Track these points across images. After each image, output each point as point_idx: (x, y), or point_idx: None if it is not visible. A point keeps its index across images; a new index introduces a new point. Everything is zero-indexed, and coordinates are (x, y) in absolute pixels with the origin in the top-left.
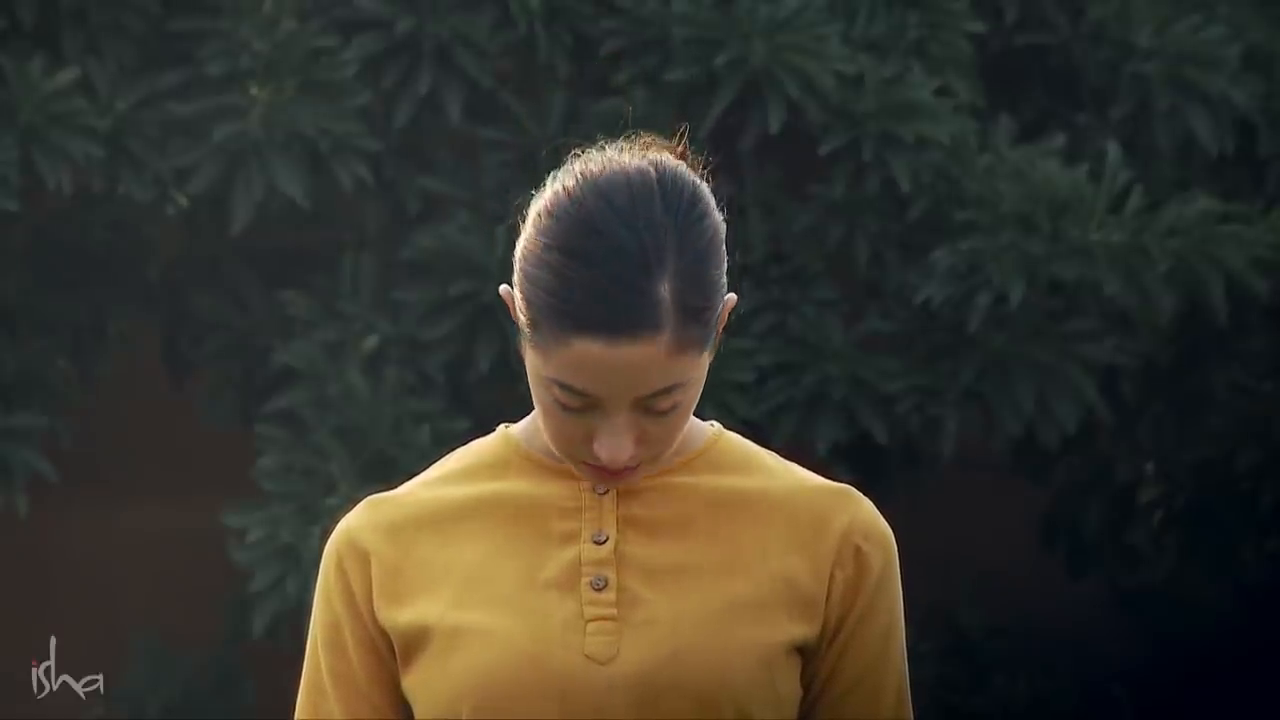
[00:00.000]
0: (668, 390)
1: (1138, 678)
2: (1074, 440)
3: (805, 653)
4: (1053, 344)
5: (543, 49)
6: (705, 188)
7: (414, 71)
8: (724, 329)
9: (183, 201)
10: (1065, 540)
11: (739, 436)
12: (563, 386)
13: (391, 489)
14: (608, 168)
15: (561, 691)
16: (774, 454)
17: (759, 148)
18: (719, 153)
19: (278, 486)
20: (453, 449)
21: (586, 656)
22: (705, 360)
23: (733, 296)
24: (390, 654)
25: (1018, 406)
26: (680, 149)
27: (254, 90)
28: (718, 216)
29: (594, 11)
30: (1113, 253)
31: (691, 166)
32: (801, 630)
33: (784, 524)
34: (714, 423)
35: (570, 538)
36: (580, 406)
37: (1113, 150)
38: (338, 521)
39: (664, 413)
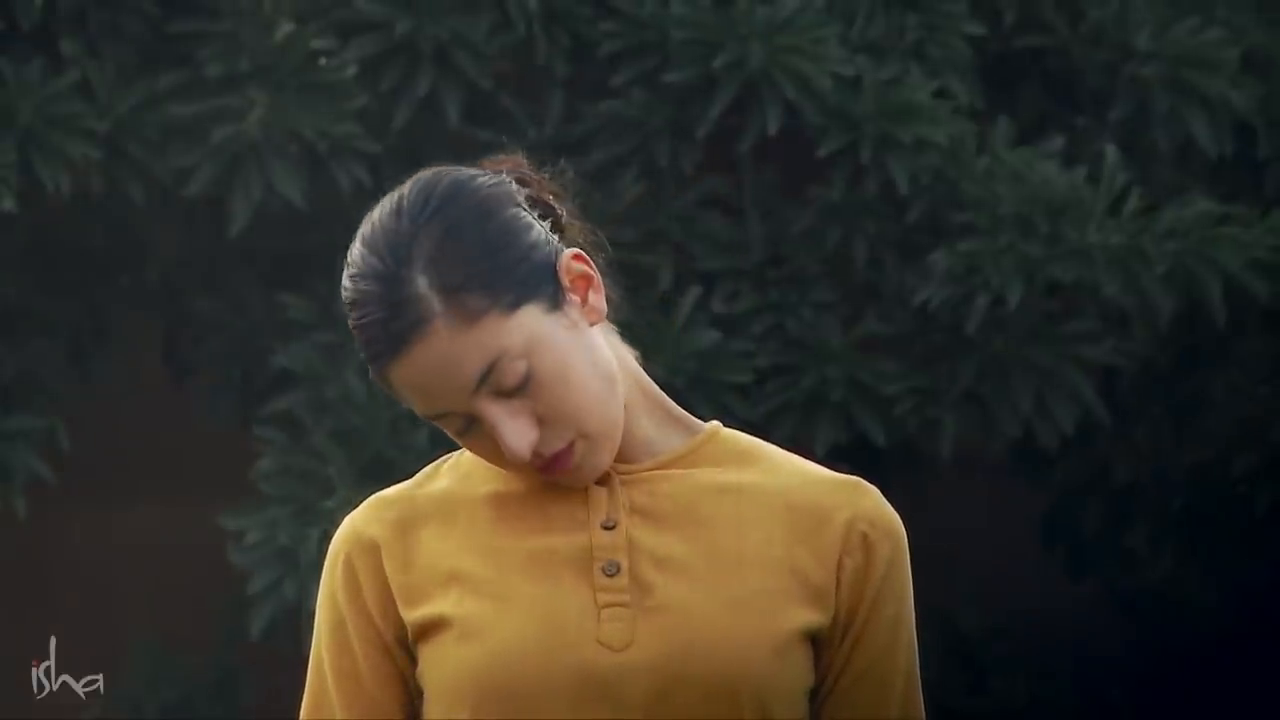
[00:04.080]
0: (495, 365)
1: (1136, 680)
2: (1072, 442)
3: (818, 642)
4: (1051, 346)
5: (541, 51)
6: (467, 183)
7: (412, 73)
8: (589, 285)
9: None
10: (1064, 541)
11: (739, 432)
12: (425, 417)
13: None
14: (378, 211)
15: (576, 678)
16: (777, 448)
17: (757, 149)
18: (717, 155)
19: (276, 489)
20: (449, 452)
21: (600, 643)
22: (537, 319)
23: (569, 252)
24: (399, 649)
25: (1016, 408)
26: (514, 160)
27: (252, 92)
28: (476, 197)
29: (592, 13)
30: (1111, 255)
31: (529, 171)
32: (814, 617)
33: (787, 515)
34: (714, 421)
35: (579, 525)
36: (457, 424)
37: (1111, 152)
38: (336, 523)
39: (523, 386)
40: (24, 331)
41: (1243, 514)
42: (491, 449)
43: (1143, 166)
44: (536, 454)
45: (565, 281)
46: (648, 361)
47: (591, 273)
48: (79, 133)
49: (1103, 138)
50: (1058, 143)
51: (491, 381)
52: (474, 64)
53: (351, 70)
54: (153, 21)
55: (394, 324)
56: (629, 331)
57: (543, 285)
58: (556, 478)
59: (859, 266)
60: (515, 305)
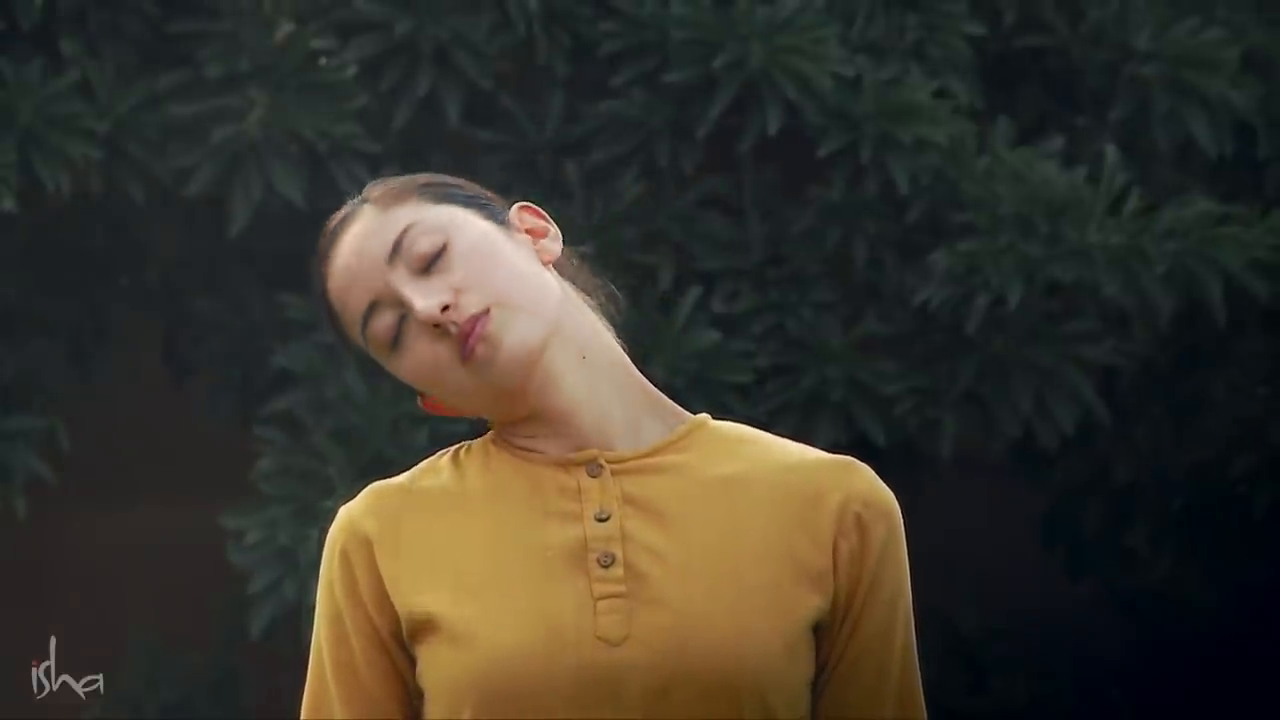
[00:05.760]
0: (406, 232)
1: (1136, 680)
2: (1072, 442)
3: (819, 630)
4: (1051, 345)
5: (541, 51)
6: (456, 187)
7: (412, 73)
8: (545, 236)
9: None
10: (1064, 541)
11: (728, 423)
12: (360, 333)
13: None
14: None
15: (575, 676)
16: (765, 434)
17: (757, 149)
18: (717, 155)
19: (276, 488)
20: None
21: (599, 638)
22: (466, 216)
23: (518, 204)
24: (395, 643)
25: (1016, 408)
26: (524, 205)
27: (253, 92)
28: (441, 179)
29: (592, 13)
30: (1111, 254)
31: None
32: (817, 602)
33: (782, 501)
34: (703, 414)
35: (573, 517)
36: (386, 325)
37: (1111, 152)
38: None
39: (438, 257)
40: (24, 331)
41: (1243, 514)
42: (425, 353)
43: (1143, 166)
44: (451, 321)
45: (518, 225)
46: (648, 362)
47: (548, 225)
48: (79, 133)
49: (1103, 138)
50: (1058, 143)
51: (404, 251)
52: (474, 64)
53: (351, 70)
54: (153, 21)
55: (333, 227)
56: (629, 331)
57: (483, 206)
58: (477, 356)
59: (859, 266)
60: (443, 200)
